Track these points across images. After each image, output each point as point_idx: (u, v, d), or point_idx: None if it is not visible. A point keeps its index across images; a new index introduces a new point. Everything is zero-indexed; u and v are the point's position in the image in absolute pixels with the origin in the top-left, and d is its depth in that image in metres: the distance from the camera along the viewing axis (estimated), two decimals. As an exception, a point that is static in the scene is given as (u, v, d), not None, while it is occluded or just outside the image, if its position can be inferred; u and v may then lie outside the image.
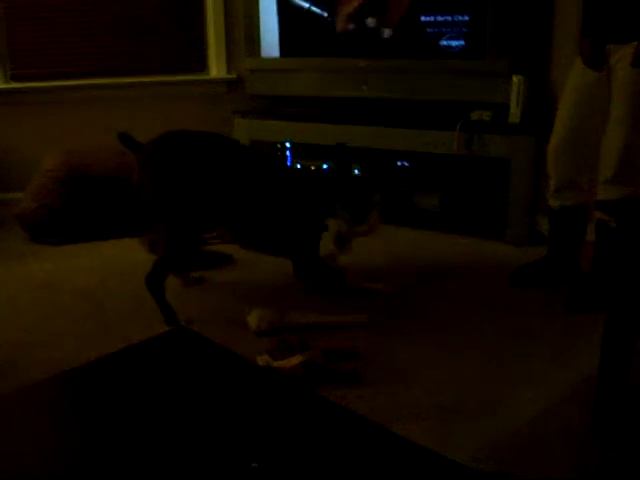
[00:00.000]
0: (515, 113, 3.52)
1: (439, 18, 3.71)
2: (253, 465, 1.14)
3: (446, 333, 2.60)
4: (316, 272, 2.95)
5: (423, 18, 3.76)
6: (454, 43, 3.69)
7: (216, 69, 4.63)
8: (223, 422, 1.28)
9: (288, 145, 4.27)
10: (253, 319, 2.58)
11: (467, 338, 2.55)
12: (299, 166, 4.23)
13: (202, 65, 4.64)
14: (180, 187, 2.66)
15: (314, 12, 4.07)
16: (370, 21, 3.92)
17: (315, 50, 4.17)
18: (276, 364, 2.21)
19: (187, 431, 1.23)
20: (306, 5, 4.07)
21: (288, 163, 4.27)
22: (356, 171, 3.90)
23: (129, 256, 3.40)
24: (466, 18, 3.63)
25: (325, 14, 4.06)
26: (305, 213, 2.90)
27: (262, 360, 2.24)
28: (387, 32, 3.90)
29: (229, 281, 3.16)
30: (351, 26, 3.99)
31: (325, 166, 4.12)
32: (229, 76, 4.60)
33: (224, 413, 1.31)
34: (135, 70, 4.52)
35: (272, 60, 4.27)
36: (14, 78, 4.37)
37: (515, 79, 3.49)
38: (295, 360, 2.19)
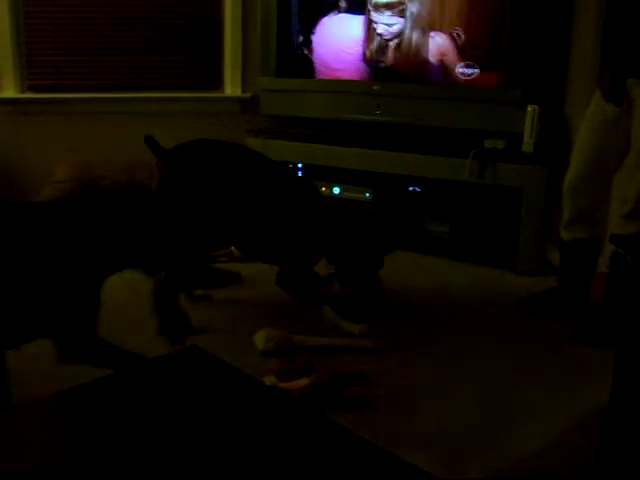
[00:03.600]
0: (529, 143, 3.52)
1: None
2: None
3: (452, 361, 2.58)
4: (297, 287, 2.91)
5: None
6: (469, 71, 3.71)
7: (231, 87, 4.65)
8: (230, 440, 1.27)
9: (300, 166, 4.27)
10: (260, 339, 2.56)
11: (473, 367, 2.54)
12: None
13: (218, 83, 4.66)
14: (192, 195, 2.67)
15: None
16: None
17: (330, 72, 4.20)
18: (283, 385, 2.20)
19: (193, 451, 1.22)
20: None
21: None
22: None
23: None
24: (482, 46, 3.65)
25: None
26: (308, 230, 2.85)
27: (269, 381, 2.23)
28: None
29: (236, 299, 3.14)
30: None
31: (336, 189, 4.12)
32: (244, 95, 4.62)
33: (232, 432, 1.30)
34: (150, 86, 4.55)
35: (286, 81, 4.30)
36: (31, 88, 4.40)
37: (529, 109, 3.49)
38: (302, 382, 2.18)
